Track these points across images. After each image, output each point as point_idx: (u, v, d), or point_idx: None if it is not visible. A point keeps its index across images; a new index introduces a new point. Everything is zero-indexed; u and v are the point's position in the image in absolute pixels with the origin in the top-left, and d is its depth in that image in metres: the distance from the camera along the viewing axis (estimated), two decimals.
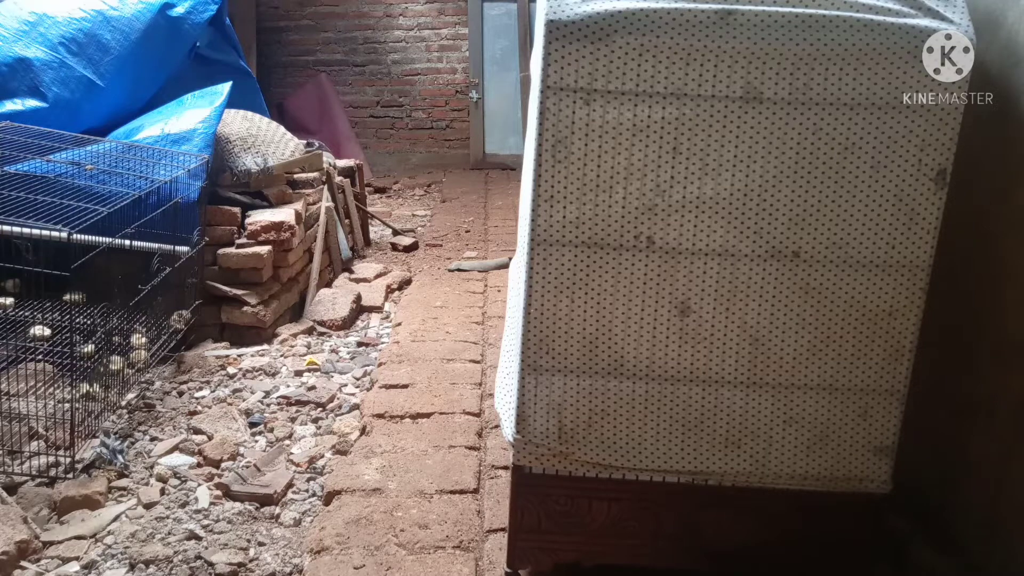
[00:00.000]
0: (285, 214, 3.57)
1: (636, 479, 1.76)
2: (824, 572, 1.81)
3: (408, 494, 2.25)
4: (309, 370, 3.21)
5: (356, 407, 2.88)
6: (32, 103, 3.36)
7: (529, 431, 1.73)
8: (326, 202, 4.27)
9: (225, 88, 3.53)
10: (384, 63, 7.42)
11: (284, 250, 3.58)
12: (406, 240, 5.07)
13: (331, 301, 3.83)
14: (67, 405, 2.39)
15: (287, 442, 2.68)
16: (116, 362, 2.71)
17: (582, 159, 1.59)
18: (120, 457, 2.45)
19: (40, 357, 2.67)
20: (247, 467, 2.47)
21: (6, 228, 2.51)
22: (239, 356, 3.29)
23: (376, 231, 5.33)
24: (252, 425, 2.76)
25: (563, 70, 1.55)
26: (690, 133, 1.58)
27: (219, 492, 2.36)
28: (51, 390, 2.63)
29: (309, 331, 3.61)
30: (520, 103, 7.27)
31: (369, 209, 5.37)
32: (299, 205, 3.79)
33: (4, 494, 2.18)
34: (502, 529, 2.03)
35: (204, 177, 3.22)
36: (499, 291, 3.93)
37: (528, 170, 1.72)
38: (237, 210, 3.50)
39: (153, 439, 2.64)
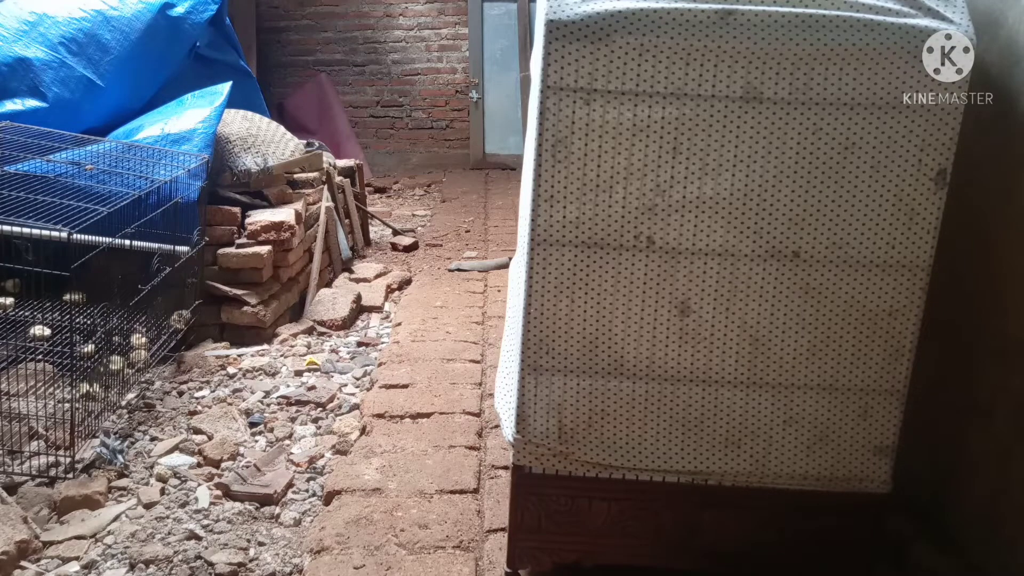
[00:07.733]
0: (285, 214, 3.57)
1: (636, 479, 1.76)
2: (824, 572, 1.81)
3: (408, 494, 2.25)
4: (309, 370, 3.21)
5: (356, 407, 2.88)
6: (32, 103, 3.36)
7: (529, 431, 1.73)
8: (326, 202, 4.27)
9: (225, 88, 3.53)
10: (384, 63, 7.42)
11: (284, 250, 3.58)
12: (406, 240, 5.07)
13: (331, 301, 3.83)
14: (67, 405, 2.39)
15: (287, 442, 2.68)
16: (116, 362, 2.71)
17: (582, 159, 1.59)
18: (120, 457, 2.46)
19: (40, 357, 2.67)
20: (247, 467, 2.47)
21: (6, 228, 2.51)
22: (239, 356, 3.29)
23: (376, 231, 5.33)
24: (252, 425, 2.76)
25: (563, 70, 1.56)
26: (690, 133, 1.58)
27: (219, 492, 2.36)
28: (51, 390, 2.63)
29: (309, 331, 3.61)
30: (520, 103, 7.27)
31: (369, 209, 5.37)
32: (299, 205, 3.79)
33: (4, 494, 2.18)
34: (502, 529, 2.03)
35: (204, 177, 3.22)
36: (499, 291, 3.93)
37: (528, 170, 1.72)
38: (237, 210, 3.50)
39: (153, 439, 2.64)
